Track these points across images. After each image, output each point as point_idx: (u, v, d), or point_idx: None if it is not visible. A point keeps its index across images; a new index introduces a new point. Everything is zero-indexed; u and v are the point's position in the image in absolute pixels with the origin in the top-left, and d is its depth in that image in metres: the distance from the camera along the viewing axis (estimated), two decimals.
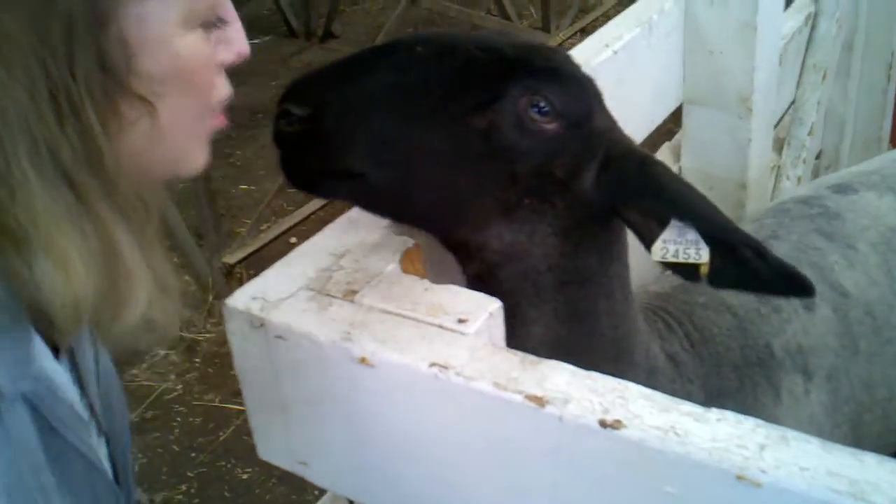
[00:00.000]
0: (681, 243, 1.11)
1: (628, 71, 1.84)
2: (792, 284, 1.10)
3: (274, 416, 1.13)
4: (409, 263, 1.19)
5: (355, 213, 1.28)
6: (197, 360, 3.49)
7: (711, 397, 1.41)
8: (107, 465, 1.00)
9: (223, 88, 0.95)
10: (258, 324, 1.07)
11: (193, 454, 3.05)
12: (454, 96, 1.09)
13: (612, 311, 1.24)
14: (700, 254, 1.10)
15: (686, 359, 1.43)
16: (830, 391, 1.51)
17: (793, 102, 2.65)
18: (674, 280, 1.62)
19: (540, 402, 0.92)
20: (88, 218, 0.80)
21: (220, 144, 4.57)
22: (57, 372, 0.88)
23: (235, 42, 0.95)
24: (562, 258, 1.18)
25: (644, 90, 1.93)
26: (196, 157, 0.94)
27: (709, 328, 1.49)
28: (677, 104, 2.10)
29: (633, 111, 1.88)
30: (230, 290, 3.40)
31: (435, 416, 1.00)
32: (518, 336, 1.15)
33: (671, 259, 1.11)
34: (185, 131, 0.90)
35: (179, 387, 3.36)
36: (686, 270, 1.11)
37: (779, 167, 2.59)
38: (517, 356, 0.98)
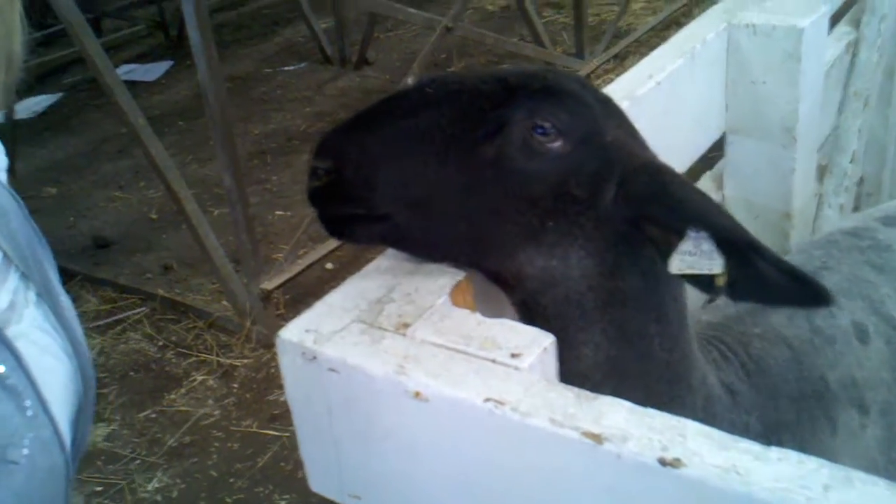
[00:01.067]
0: (696, 255, 1.11)
1: (671, 101, 1.84)
2: (808, 292, 1.09)
3: (326, 448, 1.14)
4: (459, 296, 1.20)
5: None
6: (234, 385, 3.51)
7: (769, 430, 1.40)
8: (21, 299, 1.02)
9: None
10: (311, 357, 1.07)
11: (231, 480, 3.06)
12: (463, 130, 1.14)
13: (665, 334, 1.24)
14: (715, 265, 1.10)
15: (743, 389, 1.41)
16: (885, 426, 1.49)
17: (834, 129, 2.62)
18: (728, 310, 1.60)
19: (597, 439, 0.91)
20: None
21: (257, 170, 4.67)
22: None
23: None
24: (601, 278, 1.18)
25: (687, 120, 1.93)
26: None
27: (765, 359, 1.47)
28: (720, 134, 2.09)
29: (676, 141, 1.88)
30: (268, 316, 3.43)
31: (489, 451, 1.00)
32: (569, 360, 1.16)
33: (687, 271, 1.11)
34: None
35: (217, 412, 3.37)
36: (704, 283, 1.11)
37: (821, 195, 2.57)
38: (573, 392, 0.98)
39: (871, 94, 2.72)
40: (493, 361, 1.03)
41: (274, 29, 7.64)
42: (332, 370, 1.07)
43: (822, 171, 2.63)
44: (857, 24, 2.64)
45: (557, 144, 1.13)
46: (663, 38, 6.42)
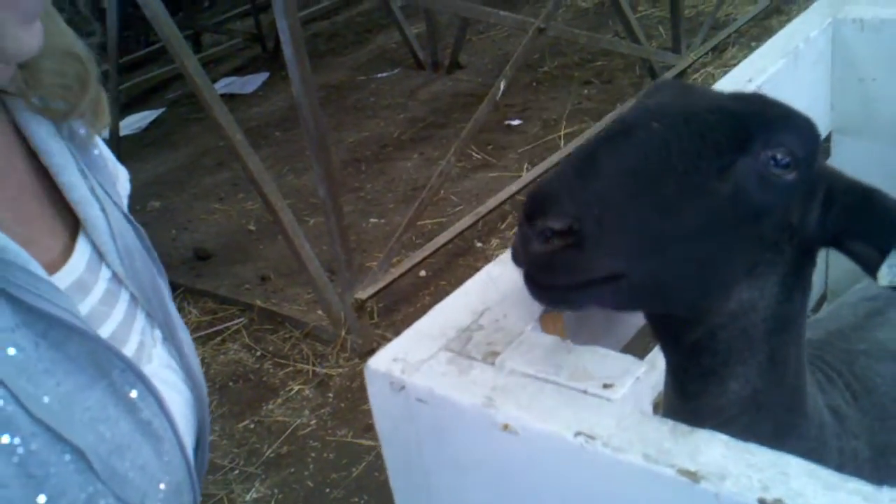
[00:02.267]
0: None
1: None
2: None
3: (415, 478, 1.12)
4: (549, 321, 1.16)
5: (494, 267, 1.26)
6: (330, 395, 3.54)
7: (878, 454, 1.32)
8: (150, 338, 1.00)
9: None
10: (399, 387, 1.06)
11: (328, 490, 3.09)
12: (698, 167, 1.02)
13: (798, 357, 1.18)
14: None
15: (849, 412, 1.33)
16: None
17: None
18: (829, 325, 1.53)
19: (694, 476, 0.86)
20: None
21: (350, 178, 4.72)
22: None
23: None
24: (777, 305, 1.12)
25: None
26: (18, 37, 0.84)
27: (871, 378, 1.39)
28: (825, 134, 2.00)
29: None
30: (362, 326, 3.45)
31: (580, 486, 0.96)
32: (711, 395, 1.11)
33: None
34: None
35: (313, 422, 3.41)
36: None
37: None
38: (667, 425, 0.93)
39: None
40: (585, 392, 0.99)
41: (367, 37, 7.72)
42: (420, 400, 1.05)
43: None
44: None
45: (792, 175, 1.05)
46: (764, 28, 6.23)
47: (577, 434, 0.93)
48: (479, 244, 4.40)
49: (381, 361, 1.08)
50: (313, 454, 3.27)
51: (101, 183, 1.04)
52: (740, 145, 1.03)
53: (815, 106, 1.93)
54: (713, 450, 0.89)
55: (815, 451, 1.22)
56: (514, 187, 4.52)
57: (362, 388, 1.12)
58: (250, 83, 7.04)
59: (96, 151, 1.08)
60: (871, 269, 1.10)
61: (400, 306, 4.01)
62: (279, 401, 3.54)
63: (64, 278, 0.91)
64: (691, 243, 1.02)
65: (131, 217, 1.08)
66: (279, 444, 3.33)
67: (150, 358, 1.00)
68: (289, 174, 5.39)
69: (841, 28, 1.93)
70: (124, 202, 1.13)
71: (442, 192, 4.66)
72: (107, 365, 0.90)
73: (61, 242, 0.95)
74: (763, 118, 1.05)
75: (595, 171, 0.97)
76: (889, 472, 1.33)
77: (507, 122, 5.59)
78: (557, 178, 0.97)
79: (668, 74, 5.56)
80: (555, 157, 4.78)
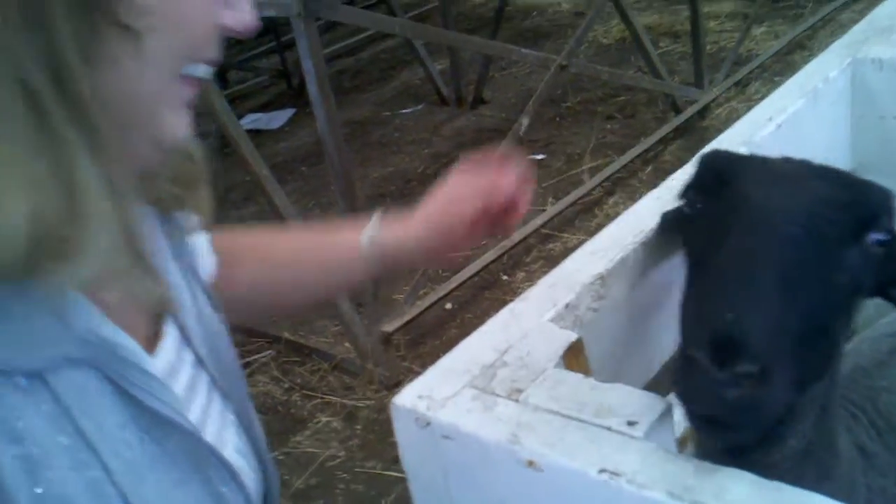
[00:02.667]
0: None
1: (793, 143, 1.78)
2: None
3: None
4: (572, 359, 1.19)
5: (517, 304, 1.29)
6: (358, 426, 3.57)
7: None
8: (224, 422, 1.00)
9: (213, 51, 0.86)
10: (425, 423, 1.08)
11: None
12: (828, 268, 1.05)
13: (834, 400, 1.20)
14: None
15: (876, 450, 1.34)
16: None
17: None
18: (849, 362, 1.54)
19: None
20: (47, 141, 0.72)
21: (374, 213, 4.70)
22: (115, 332, 0.83)
23: (243, 11, 0.88)
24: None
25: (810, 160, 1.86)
26: (174, 123, 0.86)
27: (894, 414, 1.40)
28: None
29: None
30: (389, 358, 3.48)
31: None
32: (766, 452, 1.10)
33: None
34: (163, 80, 0.82)
35: (342, 454, 3.43)
36: None
37: None
38: (691, 463, 0.95)
39: None
40: (609, 429, 1.01)
41: (391, 73, 7.81)
42: (445, 437, 1.07)
43: None
44: None
45: (884, 249, 1.10)
46: (786, 63, 6.25)
47: (602, 471, 0.96)
48: (504, 277, 4.43)
49: (407, 398, 1.11)
50: (342, 486, 3.29)
51: (191, 265, 1.05)
52: (854, 236, 1.07)
53: (836, 144, 1.95)
54: (739, 488, 0.91)
55: (847, 491, 1.22)
56: (538, 221, 4.55)
57: (390, 420, 1.14)
58: (276, 119, 7.14)
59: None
60: None
61: (426, 339, 4.03)
62: (308, 432, 3.57)
63: (159, 364, 0.91)
64: (825, 337, 1.06)
65: (216, 301, 1.09)
66: (308, 475, 3.35)
67: (225, 443, 1.00)
68: (315, 208, 5.46)
69: (860, 67, 1.95)
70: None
71: None
72: (204, 462, 0.92)
73: (152, 322, 0.94)
74: (868, 206, 1.09)
75: (764, 303, 0.97)
76: None
77: (531, 157, 5.63)
78: (740, 319, 0.95)
79: (692, 109, 5.59)
80: (579, 191, 4.81)
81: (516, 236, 4.38)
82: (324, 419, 3.62)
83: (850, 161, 2.01)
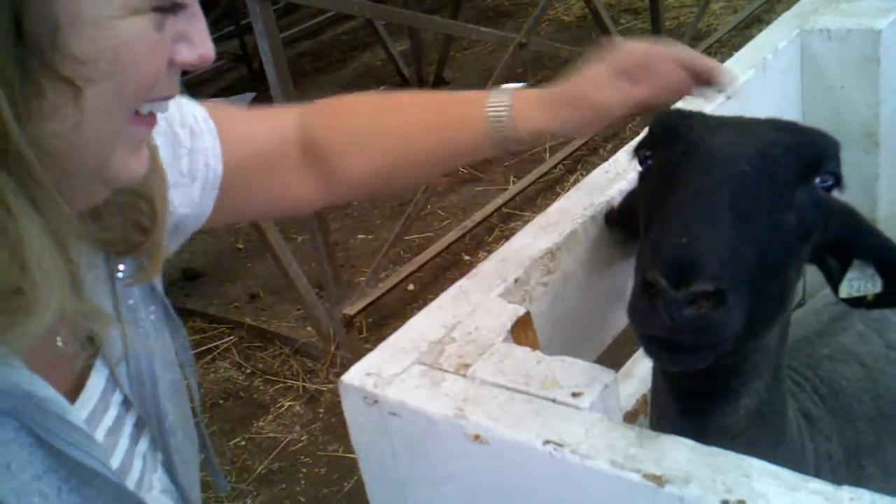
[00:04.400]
0: (862, 279, 1.18)
1: (743, 114, 1.79)
2: None
3: (392, 491, 1.14)
4: (521, 333, 1.19)
5: (466, 281, 1.28)
6: (320, 410, 3.56)
7: (850, 455, 1.35)
8: (151, 463, 0.98)
9: (166, 88, 0.83)
10: (372, 400, 1.08)
11: None
12: (777, 206, 1.07)
13: (783, 361, 1.22)
14: (875, 285, 1.18)
15: (819, 415, 1.36)
16: None
17: None
18: (795, 332, 1.55)
19: (659, 481, 0.89)
20: None
21: None
22: (36, 383, 0.82)
23: (198, 43, 0.83)
24: (788, 315, 1.19)
25: None
26: (127, 162, 0.83)
27: (836, 381, 1.42)
28: None
29: None
30: (351, 341, 3.46)
31: (550, 494, 0.98)
32: (722, 412, 1.14)
33: (854, 294, 1.18)
34: (110, 126, 0.79)
35: (304, 438, 3.42)
36: (856, 301, 1.19)
37: None
38: (634, 431, 0.95)
39: None
40: (554, 401, 1.01)
41: (352, 55, 7.75)
42: (393, 414, 1.07)
43: None
44: None
45: (833, 193, 1.13)
46: (745, 38, 6.30)
47: (546, 442, 0.96)
48: (466, 257, 4.43)
49: (355, 376, 1.10)
50: (304, 470, 3.28)
51: (131, 302, 1.00)
52: (801, 177, 1.09)
53: (786, 114, 1.95)
54: (678, 454, 0.92)
55: (798, 455, 1.25)
56: (500, 200, 4.55)
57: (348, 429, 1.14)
58: (237, 103, 7.06)
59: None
60: (835, 282, 1.19)
61: (389, 321, 4.02)
62: (270, 417, 3.55)
63: (82, 407, 0.90)
64: (777, 277, 1.08)
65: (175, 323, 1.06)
66: (270, 460, 3.34)
67: (152, 485, 0.99)
68: None
69: (809, 38, 1.96)
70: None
71: (429, 206, 4.69)
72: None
73: (78, 366, 0.92)
74: (814, 148, 1.12)
75: (718, 228, 1.00)
76: (862, 474, 1.36)
77: None
78: (696, 242, 0.97)
79: None
80: (540, 170, 4.82)
81: (477, 216, 4.38)
82: (286, 403, 3.60)
83: None
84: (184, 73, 0.89)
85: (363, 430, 1.12)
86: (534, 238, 1.37)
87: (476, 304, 1.22)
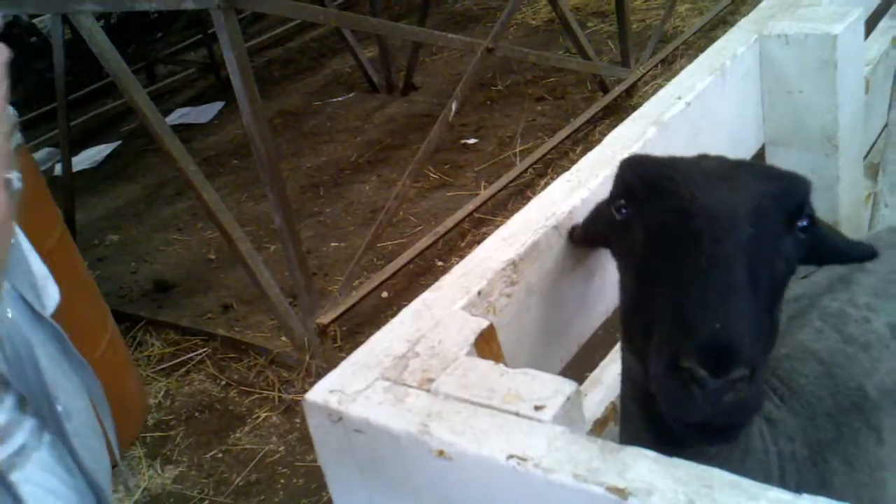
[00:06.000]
0: None
1: (703, 120, 1.81)
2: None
3: None
4: (484, 346, 1.19)
5: (429, 294, 1.29)
6: (297, 420, 3.55)
7: (814, 451, 1.36)
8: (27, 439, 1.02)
9: None
10: (336, 418, 1.08)
11: None
12: (771, 257, 1.10)
13: None
14: None
15: (781, 416, 1.38)
16: None
17: (885, 127, 2.55)
18: None
19: (622, 493, 0.89)
20: None
21: (309, 203, 4.74)
22: None
23: None
24: None
25: (721, 137, 1.90)
26: None
27: (795, 379, 1.43)
28: (758, 146, 2.05)
29: None
30: (325, 350, 3.47)
31: None
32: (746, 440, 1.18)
33: None
34: None
35: (282, 448, 3.42)
36: None
37: (875, 194, 2.50)
38: (597, 444, 0.96)
39: None
40: (517, 415, 1.02)
41: (321, 62, 7.75)
42: (357, 431, 1.07)
43: (875, 170, 2.56)
44: None
45: (807, 234, 1.16)
46: (710, 39, 6.36)
47: (510, 457, 0.96)
48: (439, 263, 4.44)
49: (319, 394, 1.11)
50: (283, 480, 3.27)
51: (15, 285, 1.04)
52: (788, 225, 1.13)
53: (746, 119, 1.99)
54: (641, 466, 0.93)
55: (763, 462, 1.26)
56: (471, 205, 4.56)
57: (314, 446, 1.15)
58: (206, 112, 7.03)
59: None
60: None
61: (363, 328, 4.03)
62: (246, 429, 3.54)
63: None
64: (772, 316, 1.11)
65: (47, 317, 1.10)
66: (248, 472, 3.33)
67: (27, 461, 1.01)
68: (248, 201, 5.39)
69: (767, 44, 1.99)
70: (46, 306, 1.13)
71: (401, 213, 4.69)
72: None
73: None
74: (796, 196, 1.14)
75: (744, 306, 1.00)
76: (826, 469, 1.37)
77: (462, 142, 5.64)
78: (730, 326, 0.97)
79: (619, 89, 5.65)
80: (511, 174, 4.83)
81: (449, 222, 4.39)
82: (262, 415, 3.59)
83: (763, 134, 2.05)
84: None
85: (329, 447, 1.12)
86: (496, 250, 1.37)
87: (439, 317, 1.23)
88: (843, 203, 2.02)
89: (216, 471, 3.35)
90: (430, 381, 1.10)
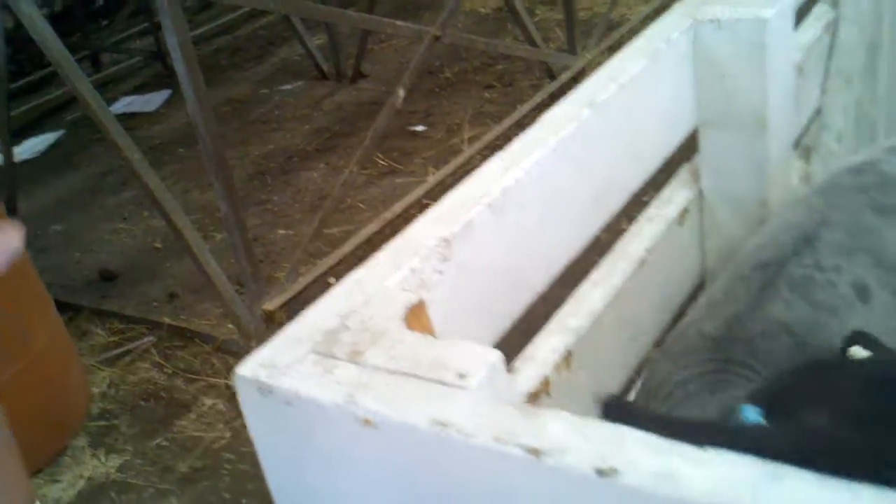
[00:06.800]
0: None
1: (637, 102, 1.85)
2: None
3: (291, 479, 1.16)
4: (415, 321, 1.21)
5: (361, 272, 1.31)
6: None
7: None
8: None
9: None
10: (267, 391, 1.09)
11: (244, 500, 3.09)
12: None
13: None
14: None
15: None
16: None
17: (817, 110, 2.62)
18: (727, 310, 1.56)
19: (537, 453, 0.92)
20: None
21: (257, 191, 4.73)
22: None
23: None
24: None
25: (655, 119, 1.94)
26: None
27: (771, 358, 1.43)
28: (691, 129, 2.10)
29: (644, 141, 1.89)
30: (271, 337, 3.46)
31: (440, 473, 1.01)
32: None
33: None
34: None
35: (227, 435, 3.41)
36: None
37: (808, 175, 2.57)
38: (518, 408, 0.99)
39: (853, 71, 2.72)
40: (442, 383, 1.04)
41: (270, 50, 7.69)
42: (287, 403, 1.09)
43: (808, 152, 2.63)
44: (835, 3, 2.65)
45: None
46: None
47: (432, 423, 0.99)
48: None
49: (249, 368, 1.12)
50: (228, 466, 3.27)
51: None
52: None
53: (680, 101, 2.03)
54: (556, 426, 0.96)
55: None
56: (419, 191, 4.58)
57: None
58: (152, 101, 6.95)
59: None
60: None
61: None
62: (192, 416, 3.53)
63: None
64: None
65: None
66: (193, 458, 3.32)
67: None
68: (194, 190, 5.35)
69: (700, 28, 2.03)
70: None
71: (349, 200, 4.70)
72: None
73: None
74: None
75: None
76: None
77: (411, 129, 5.65)
78: None
79: (565, 76, 5.70)
80: (458, 161, 4.86)
81: (397, 208, 4.40)
82: (208, 402, 3.58)
83: (695, 117, 2.09)
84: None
85: (259, 420, 1.13)
86: (429, 227, 1.40)
87: (371, 293, 1.25)
88: (773, 184, 2.07)
89: (161, 458, 3.34)
90: (359, 353, 1.12)
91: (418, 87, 5.92)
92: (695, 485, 0.84)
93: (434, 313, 1.30)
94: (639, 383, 2.03)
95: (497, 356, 1.08)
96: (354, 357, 1.11)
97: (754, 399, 1.18)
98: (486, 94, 5.95)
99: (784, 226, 1.72)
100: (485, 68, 6.31)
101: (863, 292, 1.52)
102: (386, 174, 5.15)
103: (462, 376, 1.05)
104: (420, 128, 5.64)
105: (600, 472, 0.88)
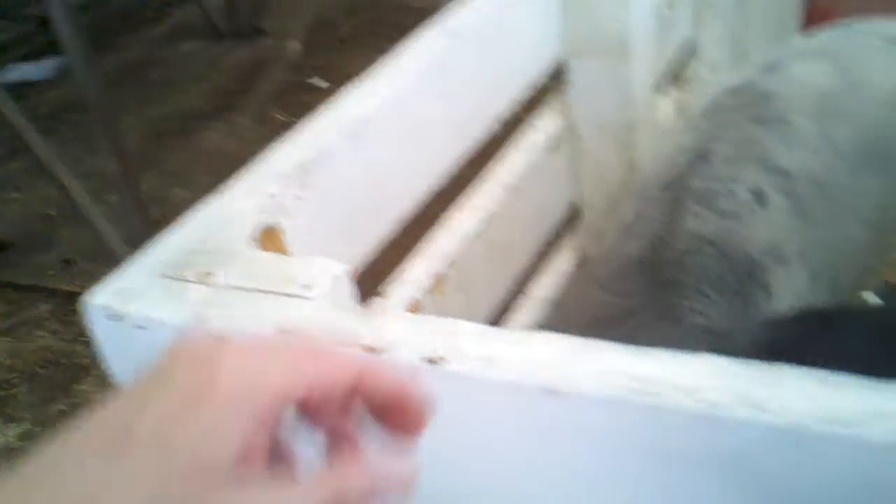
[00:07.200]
0: None
1: (498, 31, 1.88)
2: None
3: None
4: (268, 242, 1.24)
5: (216, 197, 1.32)
6: None
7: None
8: None
9: None
10: (118, 317, 1.11)
11: None
12: None
13: None
14: None
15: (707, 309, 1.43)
16: (804, 266, 1.53)
17: (689, 39, 2.70)
18: (645, 231, 1.62)
19: (374, 350, 0.96)
20: None
21: (152, 152, 4.60)
22: None
23: None
24: None
25: (519, 48, 1.97)
26: None
27: (702, 270, 1.48)
28: (559, 58, 2.15)
29: (509, 70, 1.93)
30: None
31: None
32: None
33: None
34: None
35: None
36: None
37: (684, 103, 2.64)
38: (357, 313, 1.03)
39: (726, 3, 2.81)
40: (288, 295, 1.07)
41: (166, 11, 7.49)
42: (138, 327, 1.10)
43: (681, 81, 2.71)
44: None
45: None
46: None
47: (279, 332, 1.02)
48: None
49: (99, 295, 1.13)
50: None
51: None
52: None
53: (546, 30, 2.07)
54: (395, 325, 1.00)
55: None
56: None
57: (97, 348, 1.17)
58: (42, 68, 6.72)
59: None
60: None
61: None
62: (91, 379, 3.49)
63: None
64: None
65: None
66: None
67: None
68: (88, 156, 5.21)
69: None
70: None
71: (248, 157, 4.64)
72: None
73: None
74: None
75: None
76: None
77: (310, 81, 5.60)
78: None
79: None
80: None
81: None
82: None
83: (562, 48, 2.14)
84: None
85: (111, 346, 1.15)
86: (287, 154, 1.42)
87: (226, 217, 1.26)
88: (636, 102, 2.14)
89: (62, 423, 3.29)
90: (210, 274, 1.14)
91: (317, 41, 5.86)
92: (512, 365, 0.89)
93: (294, 240, 1.33)
94: (524, 305, 2.09)
95: (342, 269, 1.11)
96: (204, 278, 1.13)
97: (757, 347, 1.21)
98: (388, 47, 5.91)
99: (678, 149, 1.78)
100: (382, 20, 6.27)
101: (760, 197, 1.59)
102: (285, 130, 5.10)
103: (307, 287, 1.08)
104: (320, 82, 5.59)
105: (431, 361, 0.93)
